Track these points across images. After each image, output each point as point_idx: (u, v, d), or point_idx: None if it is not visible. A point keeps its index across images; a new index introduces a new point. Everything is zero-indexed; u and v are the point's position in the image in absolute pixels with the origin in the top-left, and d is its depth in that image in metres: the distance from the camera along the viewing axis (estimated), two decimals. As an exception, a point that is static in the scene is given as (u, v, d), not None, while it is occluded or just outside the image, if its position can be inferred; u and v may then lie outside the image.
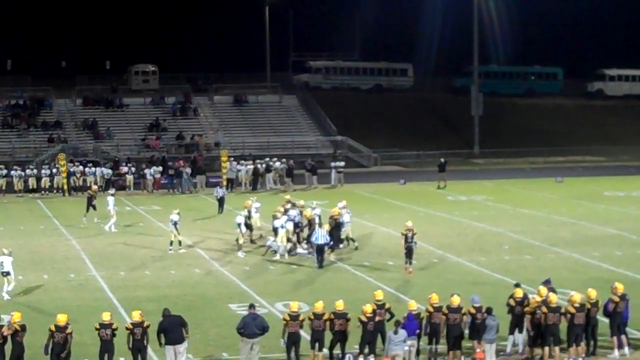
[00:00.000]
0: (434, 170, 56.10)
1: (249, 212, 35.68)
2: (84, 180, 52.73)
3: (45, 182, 52.24)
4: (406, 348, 20.80)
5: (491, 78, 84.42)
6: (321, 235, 31.74)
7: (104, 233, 38.86)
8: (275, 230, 33.31)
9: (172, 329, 20.38)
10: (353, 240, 34.74)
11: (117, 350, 20.22)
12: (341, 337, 20.88)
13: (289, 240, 33.42)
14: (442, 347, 21.34)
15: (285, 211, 33.90)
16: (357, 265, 31.86)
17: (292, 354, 20.72)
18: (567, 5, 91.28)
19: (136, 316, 20.26)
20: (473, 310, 21.10)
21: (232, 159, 54.97)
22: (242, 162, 55.14)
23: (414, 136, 72.05)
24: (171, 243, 34.53)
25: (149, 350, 20.58)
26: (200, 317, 25.06)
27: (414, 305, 21.37)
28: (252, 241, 35.37)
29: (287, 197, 37.61)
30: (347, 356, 21.04)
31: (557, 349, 20.97)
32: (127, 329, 20.17)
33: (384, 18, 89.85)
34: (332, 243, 32.90)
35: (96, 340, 20.25)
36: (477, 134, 72.56)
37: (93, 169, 53.39)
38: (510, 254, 33.88)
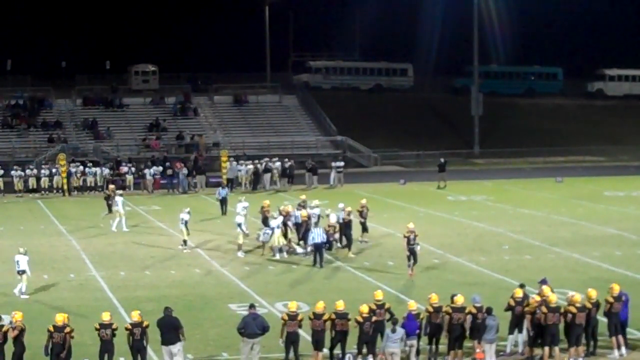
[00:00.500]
0: (434, 170, 56.10)
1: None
2: (84, 180, 52.82)
3: (44, 182, 52.26)
4: (406, 348, 20.82)
5: (491, 78, 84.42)
6: (318, 234, 31.77)
7: (104, 233, 38.87)
8: (264, 223, 33.56)
9: (166, 330, 20.42)
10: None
11: (117, 350, 20.24)
12: (341, 337, 20.89)
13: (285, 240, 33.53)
14: (442, 347, 21.35)
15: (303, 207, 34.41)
16: (357, 265, 31.87)
17: (291, 354, 20.74)
18: (567, 5, 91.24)
19: (135, 316, 20.27)
20: (474, 310, 21.11)
21: (232, 159, 55.02)
22: (242, 162, 55.14)
23: (414, 136, 72.04)
24: (185, 242, 34.74)
25: (149, 350, 20.59)
26: (200, 317, 25.08)
27: (413, 305, 21.37)
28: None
29: (303, 196, 37.59)
30: (347, 356, 21.05)
31: (557, 349, 20.97)
32: (126, 329, 20.18)
33: (384, 18, 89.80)
34: (336, 243, 33.23)
35: (96, 340, 20.26)
36: (477, 134, 72.57)
37: (93, 169, 53.43)
38: (510, 254, 33.88)
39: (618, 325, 21.70)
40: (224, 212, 43.00)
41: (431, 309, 21.30)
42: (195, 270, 31.44)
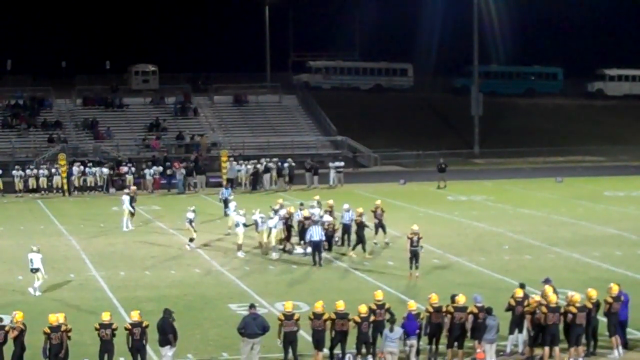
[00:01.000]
0: (434, 170, 56.10)
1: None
2: (84, 181, 52.84)
3: (43, 182, 52.25)
4: (406, 348, 20.82)
5: (491, 78, 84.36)
6: (316, 232, 31.78)
7: (105, 233, 38.89)
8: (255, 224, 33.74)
9: (161, 331, 20.42)
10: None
11: (117, 350, 20.24)
12: (341, 337, 20.89)
13: (281, 240, 33.55)
14: (442, 347, 21.35)
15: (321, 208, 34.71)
16: (357, 265, 31.87)
17: (291, 354, 20.74)
18: (567, 5, 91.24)
19: (135, 316, 20.27)
20: (475, 310, 21.12)
21: (232, 158, 55.02)
22: (240, 162, 55.13)
23: (414, 136, 72.03)
24: (191, 240, 34.82)
25: (149, 350, 20.58)
26: (200, 317, 25.08)
27: (413, 305, 21.38)
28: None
29: (317, 197, 37.51)
30: (347, 356, 21.06)
31: (557, 349, 20.97)
32: (126, 329, 20.17)
33: (384, 18, 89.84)
34: (336, 243, 33.28)
35: (96, 340, 20.25)
36: (477, 134, 72.55)
37: (93, 169, 53.45)
38: (510, 254, 33.88)
39: (618, 325, 21.71)
40: (226, 213, 42.90)
41: (431, 309, 21.31)
42: (195, 270, 31.44)
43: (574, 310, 20.92)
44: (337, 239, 34.71)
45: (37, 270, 28.01)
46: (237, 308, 25.83)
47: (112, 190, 53.00)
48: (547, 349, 20.93)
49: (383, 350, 20.60)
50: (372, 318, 21.07)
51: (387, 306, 21.55)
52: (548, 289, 21.74)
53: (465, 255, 33.50)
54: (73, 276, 30.51)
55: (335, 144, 67.81)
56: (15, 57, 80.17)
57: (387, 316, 21.33)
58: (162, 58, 80.00)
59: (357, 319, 20.75)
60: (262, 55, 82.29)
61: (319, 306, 20.98)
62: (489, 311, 21.11)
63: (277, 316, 21.50)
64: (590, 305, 21.33)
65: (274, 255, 33.07)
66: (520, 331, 21.79)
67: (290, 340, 20.68)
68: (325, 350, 20.98)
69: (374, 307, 21.34)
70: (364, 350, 20.99)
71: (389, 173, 62.45)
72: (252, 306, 21.42)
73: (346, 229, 34.68)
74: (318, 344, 20.78)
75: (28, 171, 52.71)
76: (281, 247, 33.82)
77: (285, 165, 54.17)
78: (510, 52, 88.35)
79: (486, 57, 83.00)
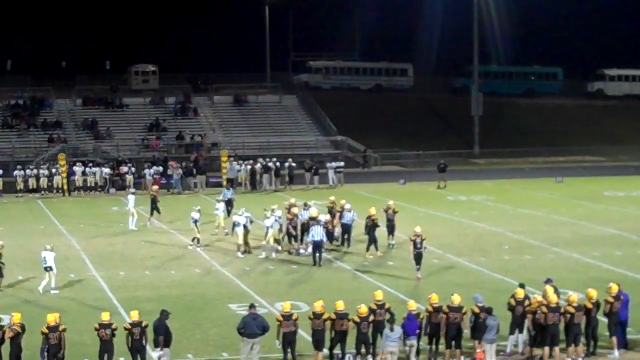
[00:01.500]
0: (434, 170, 56.13)
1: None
2: (85, 181, 52.86)
3: (43, 182, 52.27)
4: (406, 348, 20.82)
5: (491, 78, 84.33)
6: (317, 232, 31.78)
7: (105, 233, 38.89)
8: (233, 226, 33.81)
9: (158, 333, 20.41)
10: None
11: (117, 350, 20.23)
12: (341, 337, 20.89)
13: (277, 241, 33.61)
14: (442, 347, 21.35)
15: (332, 210, 34.83)
16: (357, 265, 31.87)
17: (289, 355, 20.73)
18: (567, 5, 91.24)
19: (135, 316, 20.25)
20: (476, 310, 21.12)
21: (232, 159, 55.02)
22: (240, 162, 55.12)
23: (414, 136, 72.03)
24: (198, 240, 34.89)
25: (148, 350, 20.57)
26: (200, 317, 25.08)
27: (413, 305, 21.37)
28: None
29: (332, 198, 37.48)
30: (347, 356, 21.05)
31: (556, 349, 20.98)
32: (125, 329, 20.16)
33: (384, 18, 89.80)
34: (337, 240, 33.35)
35: (96, 340, 20.24)
36: (477, 134, 72.54)
37: (94, 169, 53.46)
38: (510, 254, 33.89)
39: (618, 324, 21.70)
40: (228, 214, 42.81)
41: (431, 309, 21.30)
42: (195, 270, 31.44)
43: (571, 310, 20.93)
44: (337, 234, 34.75)
45: (50, 268, 28.18)
46: (237, 308, 25.82)
47: (112, 190, 53.03)
48: (547, 349, 20.93)
49: (383, 350, 20.60)
50: (371, 318, 21.07)
51: (387, 306, 21.55)
52: (549, 288, 21.74)
53: (465, 255, 33.50)
54: (73, 276, 30.49)
55: (335, 144, 67.81)
56: (15, 57, 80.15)
57: (387, 316, 21.34)
58: (162, 58, 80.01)
59: (357, 319, 20.75)
60: (262, 55, 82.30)
61: (318, 306, 20.98)
62: (489, 311, 21.11)
63: (275, 317, 21.49)
64: (590, 305, 21.34)
65: (273, 255, 33.06)
66: (521, 331, 21.79)
67: (289, 341, 20.67)
68: (325, 350, 20.98)
69: (374, 307, 21.34)
70: (363, 350, 20.98)
71: (389, 173, 62.44)
72: (252, 306, 21.42)
73: (346, 228, 34.68)
74: (318, 343, 20.78)
75: (28, 171, 52.73)
76: (279, 247, 33.84)
77: (286, 165, 54.17)
78: (510, 52, 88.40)
79: (486, 57, 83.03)
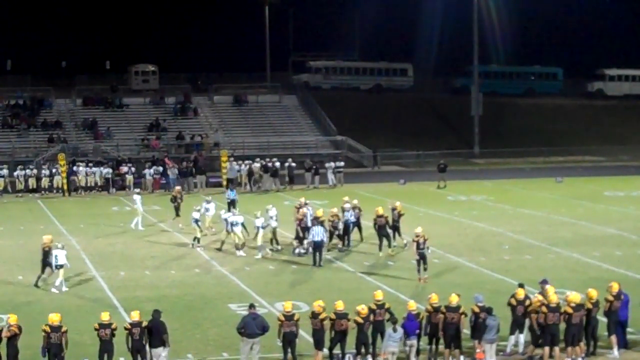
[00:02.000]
0: (434, 170, 56.13)
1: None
2: (85, 181, 52.84)
3: (44, 182, 52.28)
4: (406, 348, 20.82)
5: (491, 78, 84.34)
6: (317, 232, 31.77)
7: (105, 233, 38.87)
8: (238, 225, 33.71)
9: (155, 332, 20.39)
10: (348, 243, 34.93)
11: (117, 350, 20.22)
12: (341, 337, 20.89)
13: (275, 240, 33.71)
14: (442, 347, 21.34)
15: (344, 211, 34.82)
16: (357, 265, 31.87)
17: (290, 355, 20.73)
18: (567, 5, 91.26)
19: (135, 316, 20.23)
20: (477, 309, 21.11)
21: (232, 159, 55.02)
22: (240, 162, 55.10)
23: (414, 136, 72.04)
24: (198, 240, 34.96)
25: (149, 351, 20.53)
26: (200, 317, 25.08)
27: (413, 305, 21.37)
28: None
29: (346, 198, 37.53)
30: (347, 356, 21.05)
31: (557, 349, 20.97)
32: (125, 329, 20.15)
33: (384, 18, 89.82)
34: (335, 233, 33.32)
35: (96, 340, 20.24)
36: (477, 134, 72.56)
37: (94, 169, 53.46)
38: (510, 254, 33.88)
39: (618, 323, 21.70)
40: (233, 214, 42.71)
41: (431, 309, 21.29)
42: (195, 270, 31.44)
43: (570, 310, 20.92)
44: (339, 231, 34.82)
45: (61, 266, 28.33)
46: (237, 308, 25.82)
47: (112, 190, 53.04)
48: (547, 348, 20.93)
49: (385, 351, 20.58)
50: (371, 318, 21.06)
51: (387, 306, 21.54)
52: (550, 288, 21.73)
53: (465, 255, 33.50)
54: (73, 276, 30.47)
55: (335, 144, 67.81)
56: (15, 57, 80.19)
57: (387, 316, 21.34)
58: (162, 58, 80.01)
59: (360, 320, 20.73)
60: (262, 55, 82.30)
61: (316, 305, 20.98)
62: (489, 311, 21.11)
63: (277, 316, 21.49)
64: (590, 306, 21.33)
65: (267, 253, 33.06)
66: (521, 331, 21.78)
67: (289, 341, 20.66)
68: (325, 350, 20.97)
69: (374, 307, 21.33)
70: (363, 350, 20.97)
71: (389, 173, 62.45)
72: (251, 306, 21.41)
73: (346, 228, 34.70)
74: (317, 343, 20.78)
75: (28, 171, 52.73)
76: (279, 247, 33.85)
77: (286, 165, 54.17)
78: (510, 52, 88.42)
79: (486, 57, 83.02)
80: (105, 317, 20.17)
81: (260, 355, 20.80)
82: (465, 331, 21.30)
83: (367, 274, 30.46)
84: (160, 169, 54.00)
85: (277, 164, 54.17)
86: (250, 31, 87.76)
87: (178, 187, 43.99)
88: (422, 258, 29.38)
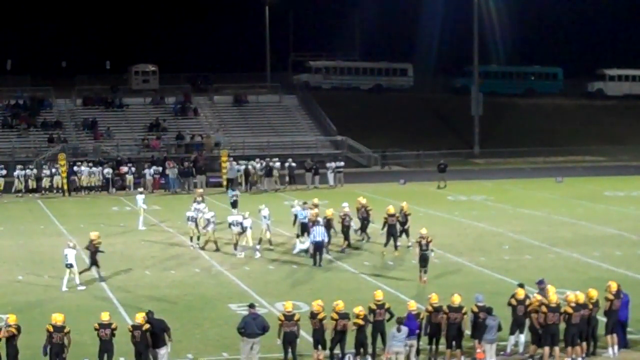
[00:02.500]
0: (434, 170, 56.14)
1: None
2: (88, 180, 52.87)
3: (45, 182, 52.29)
4: (406, 348, 20.82)
5: (491, 78, 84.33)
6: (318, 233, 31.78)
7: (104, 233, 38.80)
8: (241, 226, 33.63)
9: (155, 334, 20.36)
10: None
11: (117, 350, 20.22)
12: (341, 337, 20.88)
13: (269, 241, 33.73)
14: (442, 347, 21.35)
15: (358, 210, 34.92)
16: (357, 265, 31.87)
17: (290, 354, 20.73)
18: (567, 5, 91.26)
19: (139, 318, 20.19)
20: (476, 309, 21.11)
21: (232, 158, 55.02)
22: (239, 162, 55.09)
23: (414, 136, 72.05)
24: (191, 239, 34.99)
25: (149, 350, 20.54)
26: (200, 317, 25.08)
27: (413, 305, 21.37)
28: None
29: (362, 199, 37.50)
30: (347, 356, 21.05)
31: (556, 349, 20.98)
32: (129, 330, 20.16)
33: (384, 18, 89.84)
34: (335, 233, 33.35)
35: (96, 340, 20.24)
36: (477, 134, 72.56)
37: (94, 169, 53.47)
38: (510, 254, 33.88)
39: (616, 324, 21.70)
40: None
41: (431, 309, 21.30)
42: (195, 270, 31.44)
43: (570, 310, 20.92)
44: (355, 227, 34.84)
45: (71, 265, 28.46)
46: (237, 308, 25.82)
47: (112, 190, 53.04)
48: (547, 348, 20.94)
49: (389, 350, 20.57)
50: (371, 318, 21.05)
51: (387, 306, 21.54)
52: (550, 288, 21.73)
53: (465, 255, 33.50)
54: (73, 276, 30.43)
55: (335, 144, 67.81)
56: (15, 57, 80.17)
57: (387, 316, 21.34)
58: (162, 58, 80.00)
59: (361, 322, 20.71)
60: (262, 55, 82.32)
61: (315, 305, 20.98)
62: (489, 311, 21.11)
63: (277, 316, 21.49)
64: (590, 306, 21.33)
65: (245, 253, 33.13)
66: (522, 331, 21.78)
67: (289, 340, 20.67)
68: (325, 350, 20.96)
69: (374, 307, 21.33)
70: (362, 350, 20.97)
71: (389, 173, 62.48)
72: (251, 306, 21.41)
73: (347, 229, 34.72)
74: (317, 343, 20.78)
75: (28, 171, 52.73)
76: (270, 246, 33.96)
77: (286, 165, 54.17)
78: (510, 52, 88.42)
79: (486, 57, 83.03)
80: (105, 317, 20.17)
81: (260, 355, 20.80)
82: (467, 332, 21.29)
83: (367, 274, 30.44)
84: (160, 169, 53.99)
85: (278, 164, 54.15)
86: (250, 31, 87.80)
87: (200, 190, 42.97)
88: (424, 260, 29.21)
